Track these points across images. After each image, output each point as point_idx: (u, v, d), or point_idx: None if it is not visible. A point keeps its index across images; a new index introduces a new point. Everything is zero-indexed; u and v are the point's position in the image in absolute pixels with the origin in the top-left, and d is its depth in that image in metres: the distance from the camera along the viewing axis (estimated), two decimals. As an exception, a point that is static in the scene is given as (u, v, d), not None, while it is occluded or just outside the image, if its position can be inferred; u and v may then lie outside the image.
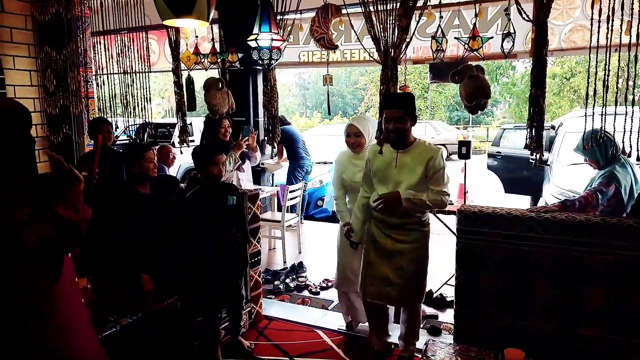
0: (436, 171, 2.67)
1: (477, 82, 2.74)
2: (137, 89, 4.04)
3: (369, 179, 2.90)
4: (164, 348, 2.49)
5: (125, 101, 4.10)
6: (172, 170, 5.53)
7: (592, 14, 2.53)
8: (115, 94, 4.20)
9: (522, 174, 7.49)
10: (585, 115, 2.61)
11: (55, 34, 3.96)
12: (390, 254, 2.82)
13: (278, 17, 3.42)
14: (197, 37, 4.03)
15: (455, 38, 2.89)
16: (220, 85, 3.58)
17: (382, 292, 2.87)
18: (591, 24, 2.54)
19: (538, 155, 2.67)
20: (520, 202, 6.79)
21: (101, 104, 4.24)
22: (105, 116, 4.18)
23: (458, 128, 21.40)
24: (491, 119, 26.00)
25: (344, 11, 3.41)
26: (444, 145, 15.48)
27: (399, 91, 3.18)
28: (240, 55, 3.55)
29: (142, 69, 4.05)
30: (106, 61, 4.19)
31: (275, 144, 3.90)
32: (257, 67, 4.35)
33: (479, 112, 2.99)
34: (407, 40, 2.96)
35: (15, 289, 1.69)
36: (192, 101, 3.83)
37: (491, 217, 2.86)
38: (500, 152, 8.14)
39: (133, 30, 4.00)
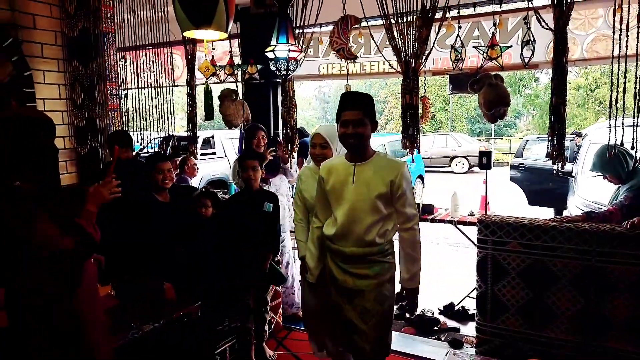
0: (404, 189, 2.17)
1: (496, 90, 2.73)
2: (161, 102, 4.14)
3: (324, 203, 2.37)
4: (184, 355, 2.52)
5: (149, 114, 4.20)
6: (195, 181, 5.62)
7: (614, 22, 2.51)
8: (140, 107, 4.30)
9: (546, 186, 7.36)
10: (610, 125, 2.57)
11: (83, 49, 4.10)
12: (351, 294, 2.27)
13: (298, 31, 3.48)
14: (213, 49, 4.10)
15: (474, 47, 2.89)
16: (234, 96, 3.63)
17: (349, 341, 2.33)
18: (613, 33, 2.51)
19: (560, 165, 2.63)
20: (544, 215, 6.66)
21: (126, 117, 4.35)
22: (129, 129, 4.28)
23: (480, 140, 21.17)
24: (514, 131, 25.67)
25: (363, 24, 3.45)
26: (465, 157, 15.35)
27: (419, 102, 3.15)
28: (259, 67, 3.60)
29: (166, 83, 4.15)
30: (131, 76, 4.32)
31: (294, 155, 3.92)
32: (277, 80, 4.40)
33: (499, 121, 2.97)
34: (427, 51, 2.97)
35: (30, 296, 1.74)
36: (210, 110, 3.86)
37: (513, 227, 2.83)
38: (523, 164, 8.02)
39: (158, 45, 4.11)
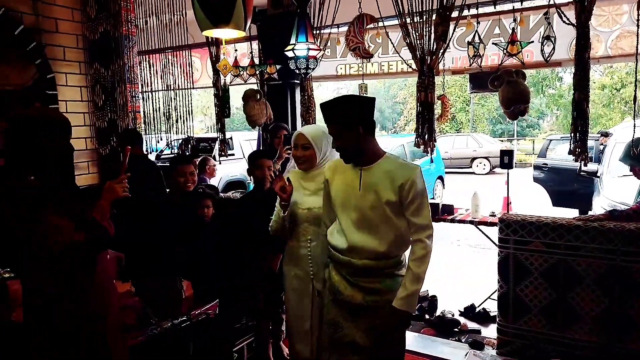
0: (414, 197, 1.92)
1: (516, 87, 2.67)
2: (180, 104, 4.19)
3: (330, 206, 2.15)
4: (202, 353, 2.53)
5: (169, 115, 4.25)
6: (213, 182, 5.67)
7: (638, 17, 2.43)
8: (159, 109, 4.36)
9: (570, 187, 7.19)
10: (634, 123, 2.50)
11: (103, 51, 4.18)
12: (358, 311, 2.03)
13: (315, 32, 3.48)
14: (236, 50, 4.14)
15: (493, 43, 2.84)
16: (258, 97, 3.65)
17: None
18: (637, 28, 2.44)
19: (582, 162, 2.56)
20: (568, 216, 6.51)
21: (146, 119, 4.42)
22: (150, 131, 4.35)
23: (502, 141, 20.86)
24: (537, 132, 25.20)
25: (380, 24, 3.42)
26: (486, 158, 15.14)
27: (436, 100, 3.10)
28: (278, 67, 3.61)
29: (185, 85, 4.20)
30: (151, 78, 4.38)
31: None
32: (295, 82, 4.41)
33: (522, 121, 2.92)
34: (444, 47, 2.93)
35: (43, 290, 1.78)
36: (226, 108, 3.88)
37: (535, 226, 2.76)
38: (546, 164, 7.86)
39: (177, 48, 4.16)
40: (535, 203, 8.60)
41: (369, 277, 2.01)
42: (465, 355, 2.39)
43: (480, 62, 2.86)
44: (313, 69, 3.10)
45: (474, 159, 15.42)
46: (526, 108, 2.73)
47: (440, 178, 9.43)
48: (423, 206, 1.95)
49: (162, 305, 2.42)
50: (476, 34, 2.87)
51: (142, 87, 4.41)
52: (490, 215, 4.11)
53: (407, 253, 2.05)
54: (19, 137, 1.75)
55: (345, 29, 3.81)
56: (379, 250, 1.97)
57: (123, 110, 4.25)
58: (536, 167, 8.14)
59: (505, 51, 2.72)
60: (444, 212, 4.32)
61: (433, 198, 8.40)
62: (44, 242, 1.68)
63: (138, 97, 4.37)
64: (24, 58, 3.76)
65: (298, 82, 4.24)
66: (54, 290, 1.77)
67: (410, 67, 3.06)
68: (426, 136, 2.95)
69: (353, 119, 1.92)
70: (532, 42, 2.87)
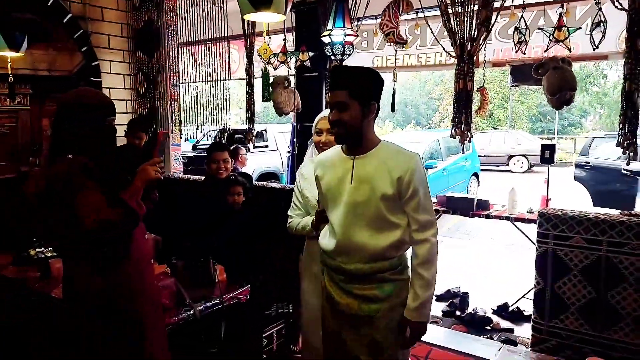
0: (416, 190, 1.69)
1: (562, 73, 2.57)
2: (218, 96, 4.24)
3: (322, 203, 1.95)
4: (233, 337, 2.56)
5: (206, 107, 4.31)
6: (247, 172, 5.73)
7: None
8: (197, 100, 4.43)
9: (613, 186, 6.92)
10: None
11: (147, 40, 4.29)
12: (357, 322, 1.79)
13: (353, 22, 3.44)
14: (270, 38, 4.14)
15: (539, 29, 2.73)
16: (286, 84, 3.62)
17: None
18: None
19: (631, 154, 2.44)
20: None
21: (184, 108, 4.49)
22: (187, 122, 4.42)
23: (542, 139, 20.23)
24: (579, 131, 24.29)
25: (420, 14, 3.36)
26: (524, 155, 14.70)
27: (475, 91, 3.01)
28: (311, 54, 3.57)
29: (223, 77, 4.24)
30: (190, 68, 4.45)
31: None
32: (327, 73, 4.36)
33: (565, 120, 2.81)
34: (486, 33, 2.84)
35: (78, 267, 1.85)
36: (267, 93, 3.86)
37: (576, 221, 2.67)
38: (589, 162, 7.57)
39: (216, 40, 4.21)
40: (575, 202, 8.30)
41: (364, 283, 1.76)
42: (499, 350, 2.34)
43: (525, 49, 2.76)
44: (349, 55, 3.07)
45: (511, 156, 14.98)
46: (572, 96, 2.63)
47: (475, 175, 9.23)
48: (426, 200, 1.72)
49: (196, 288, 2.46)
50: (522, 19, 2.77)
51: (181, 78, 4.49)
52: (527, 212, 4.00)
53: (408, 253, 1.83)
54: (64, 116, 1.82)
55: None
56: (372, 251, 1.73)
57: (164, 98, 4.35)
58: (578, 166, 7.86)
59: (551, 37, 2.62)
60: (479, 208, 4.23)
61: (467, 194, 8.23)
62: (79, 219, 1.73)
63: (177, 86, 4.46)
64: (71, 45, 3.89)
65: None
66: (89, 267, 1.83)
67: (449, 54, 2.99)
68: (463, 126, 2.87)
69: (370, 92, 1.70)
70: (580, 28, 2.75)
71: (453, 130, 2.93)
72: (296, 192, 2.27)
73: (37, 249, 3.09)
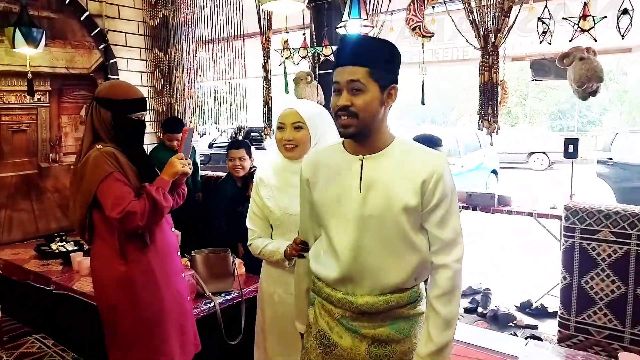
0: (442, 200, 1.32)
1: (590, 63, 2.49)
2: (234, 94, 4.23)
3: (312, 217, 1.51)
4: (252, 330, 2.54)
5: (222, 106, 4.30)
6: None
7: None
8: (212, 96, 4.42)
9: (637, 183, 6.75)
10: None
11: (162, 37, 4.30)
12: None
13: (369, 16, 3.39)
14: (287, 32, 4.11)
15: (563, 19, 2.66)
16: (309, 79, 3.61)
17: None
18: None
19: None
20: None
21: (200, 105, 4.49)
22: (204, 120, 4.42)
23: (562, 136, 19.88)
24: (599, 129, 23.86)
25: (440, 8, 3.30)
26: (544, 153, 14.45)
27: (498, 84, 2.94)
28: (333, 48, 3.54)
29: (238, 75, 4.23)
30: (205, 66, 4.44)
31: None
32: None
33: (584, 117, 2.72)
34: (510, 24, 2.78)
35: (104, 254, 1.88)
36: (286, 85, 3.83)
37: (604, 215, 2.59)
38: (612, 158, 7.40)
39: (231, 38, 4.19)
40: (598, 199, 8.13)
41: (375, 321, 1.37)
42: (525, 344, 2.27)
43: (550, 39, 2.68)
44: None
45: (530, 153, 14.73)
46: (599, 87, 2.55)
47: (494, 172, 9.09)
48: (452, 213, 1.34)
49: (215, 281, 2.45)
50: (545, 9, 2.70)
51: (197, 75, 4.49)
52: (551, 208, 3.90)
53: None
54: (97, 107, 1.87)
55: (399, 15, 3.71)
56: (390, 281, 1.35)
57: (180, 95, 4.36)
58: (600, 162, 7.68)
59: (576, 27, 2.54)
60: (500, 204, 4.15)
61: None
62: (105, 208, 1.76)
63: (193, 83, 4.46)
64: (88, 43, 3.92)
65: None
66: (113, 255, 1.86)
67: (473, 46, 2.93)
68: (490, 117, 2.81)
69: (394, 72, 1.32)
70: (605, 17, 2.66)
71: (480, 123, 2.86)
72: (255, 199, 1.85)
73: (59, 243, 3.12)
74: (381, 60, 1.28)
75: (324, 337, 1.43)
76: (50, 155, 3.71)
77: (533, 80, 5.30)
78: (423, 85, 3.34)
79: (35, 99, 3.58)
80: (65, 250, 2.98)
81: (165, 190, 1.85)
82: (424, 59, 3.85)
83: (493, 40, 2.82)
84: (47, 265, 2.86)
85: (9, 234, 3.44)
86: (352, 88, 1.27)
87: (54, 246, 3.09)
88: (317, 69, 3.84)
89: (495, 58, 2.83)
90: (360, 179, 1.33)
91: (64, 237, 3.24)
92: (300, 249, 1.57)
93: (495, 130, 2.91)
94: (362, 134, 1.32)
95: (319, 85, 3.68)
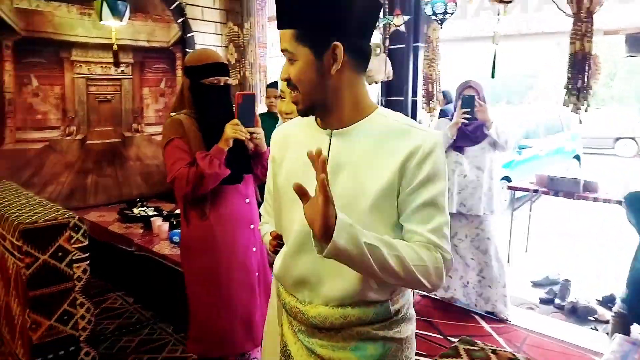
0: (425, 182, 1.02)
1: None
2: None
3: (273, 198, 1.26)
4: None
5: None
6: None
7: None
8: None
9: None
10: None
11: (237, 11, 4.34)
12: None
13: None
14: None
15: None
16: (377, 51, 3.46)
17: None
18: None
19: None
20: None
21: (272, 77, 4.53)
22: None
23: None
24: (698, 113, 21.56)
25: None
26: (632, 138, 13.27)
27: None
28: (406, 18, 3.35)
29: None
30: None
31: (432, 115, 3.63)
32: (419, 44, 4.11)
33: None
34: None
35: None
36: None
37: None
38: None
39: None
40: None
41: (333, 340, 1.09)
42: (612, 339, 2.09)
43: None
44: (451, 13, 2.83)
45: (617, 139, 13.58)
46: None
47: (577, 158, 8.47)
48: (438, 205, 1.02)
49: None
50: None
51: (270, 51, 4.53)
52: (645, 195, 3.56)
53: (410, 299, 1.17)
54: (183, 76, 1.93)
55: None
56: (350, 288, 1.05)
57: (254, 67, 4.41)
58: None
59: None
60: (585, 190, 3.86)
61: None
62: (165, 171, 1.88)
63: (265, 56, 4.49)
64: (167, 17, 4.04)
65: (422, 45, 3.97)
66: (182, 219, 1.97)
67: (564, 12, 2.68)
68: (579, 93, 2.57)
69: (327, 25, 0.99)
70: None
71: (566, 98, 2.63)
72: (268, 181, 1.36)
73: (140, 208, 3.29)
74: (308, 16, 0.99)
75: (286, 352, 1.18)
76: (133, 125, 3.90)
77: (628, 56, 4.83)
78: (495, 56, 3.08)
79: (119, 71, 3.76)
80: (146, 214, 3.13)
81: (220, 157, 1.81)
82: (498, 30, 3.58)
83: (588, 5, 2.56)
84: (129, 228, 3.03)
85: (95, 197, 3.68)
86: (288, 57, 1.04)
87: (135, 211, 3.26)
88: (388, 40, 3.69)
89: (590, 26, 2.57)
90: (328, 156, 1.05)
91: (144, 203, 3.41)
92: (277, 244, 1.21)
93: (584, 107, 2.66)
94: (316, 109, 1.07)
95: (387, 59, 3.53)
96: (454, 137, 2.90)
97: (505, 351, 2.13)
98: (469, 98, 2.81)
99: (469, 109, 2.80)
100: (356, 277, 1.04)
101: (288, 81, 1.05)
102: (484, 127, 2.85)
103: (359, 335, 1.08)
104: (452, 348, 2.08)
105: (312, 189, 0.93)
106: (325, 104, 1.05)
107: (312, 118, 1.12)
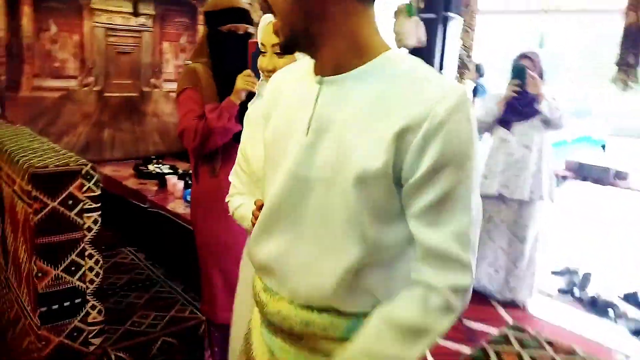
0: (437, 167, 0.72)
1: None
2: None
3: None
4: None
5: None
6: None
7: None
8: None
9: None
10: None
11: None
12: None
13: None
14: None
15: None
16: (409, 13, 3.25)
17: None
18: None
19: None
20: None
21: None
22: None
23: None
24: None
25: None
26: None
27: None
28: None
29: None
30: None
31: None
32: (450, 14, 3.84)
33: None
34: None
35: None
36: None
37: None
38: None
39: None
40: None
41: (297, 345, 0.86)
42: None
43: None
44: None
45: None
46: None
47: (603, 147, 8.17)
48: (457, 197, 0.75)
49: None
50: None
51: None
52: (681, 188, 3.39)
53: None
54: (205, 21, 1.86)
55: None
56: (320, 286, 0.81)
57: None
58: None
59: None
60: (616, 178, 3.70)
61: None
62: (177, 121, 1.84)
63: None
64: None
65: (454, 15, 3.74)
66: (193, 174, 1.93)
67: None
68: (630, 70, 2.39)
69: None
70: None
71: (616, 73, 2.45)
72: (240, 146, 1.32)
73: (155, 165, 3.23)
74: None
75: (248, 339, 1.00)
76: (152, 80, 3.80)
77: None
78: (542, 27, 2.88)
79: (140, 23, 3.63)
80: (161, 172, 3.07)
81: (230, 111, 1.72)
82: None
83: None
84: (143, 185, 2.98)
85: (111, 152, 3.62)
86: None
87: (151, 167, 3.20)
88: (422, 2, 3.47)
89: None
90: (312, 116, 0.81)
91: (160, 160, 3.34)
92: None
93: (633, 84, 2.48)
94: (300, 43, 0.82)
95: (421, 23, 3.32)
96: (502, 113, 2.68)
97: (562, 344, 1.94)
98: (520, 69, 2.56)
99: (519, 82, 2.56)
100: (330, 274, 0.79)
101: (273, 13, 0.83)
102: (534, 101, 2.59)
103: (326, 352, 0.82)
104: (500, 334, 1.93)
105: (284, 155, 0.82)
106: (311, 37, 0.79)
107: (311, 61, 0.86)
